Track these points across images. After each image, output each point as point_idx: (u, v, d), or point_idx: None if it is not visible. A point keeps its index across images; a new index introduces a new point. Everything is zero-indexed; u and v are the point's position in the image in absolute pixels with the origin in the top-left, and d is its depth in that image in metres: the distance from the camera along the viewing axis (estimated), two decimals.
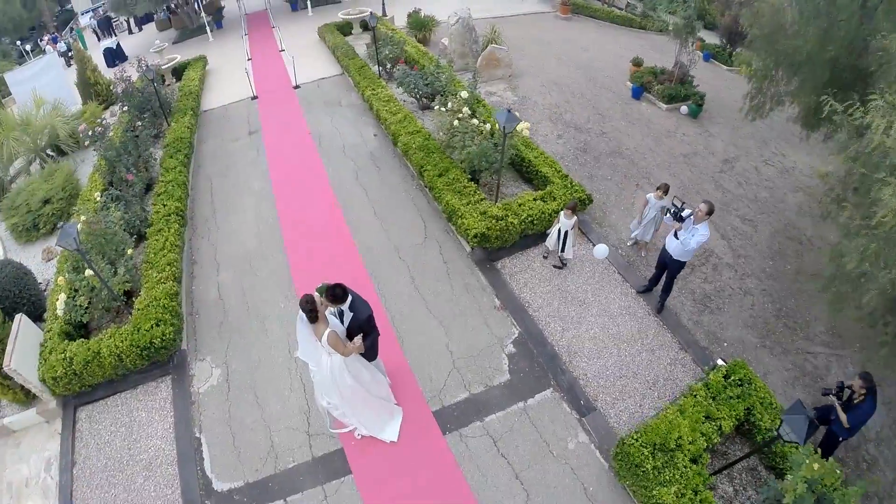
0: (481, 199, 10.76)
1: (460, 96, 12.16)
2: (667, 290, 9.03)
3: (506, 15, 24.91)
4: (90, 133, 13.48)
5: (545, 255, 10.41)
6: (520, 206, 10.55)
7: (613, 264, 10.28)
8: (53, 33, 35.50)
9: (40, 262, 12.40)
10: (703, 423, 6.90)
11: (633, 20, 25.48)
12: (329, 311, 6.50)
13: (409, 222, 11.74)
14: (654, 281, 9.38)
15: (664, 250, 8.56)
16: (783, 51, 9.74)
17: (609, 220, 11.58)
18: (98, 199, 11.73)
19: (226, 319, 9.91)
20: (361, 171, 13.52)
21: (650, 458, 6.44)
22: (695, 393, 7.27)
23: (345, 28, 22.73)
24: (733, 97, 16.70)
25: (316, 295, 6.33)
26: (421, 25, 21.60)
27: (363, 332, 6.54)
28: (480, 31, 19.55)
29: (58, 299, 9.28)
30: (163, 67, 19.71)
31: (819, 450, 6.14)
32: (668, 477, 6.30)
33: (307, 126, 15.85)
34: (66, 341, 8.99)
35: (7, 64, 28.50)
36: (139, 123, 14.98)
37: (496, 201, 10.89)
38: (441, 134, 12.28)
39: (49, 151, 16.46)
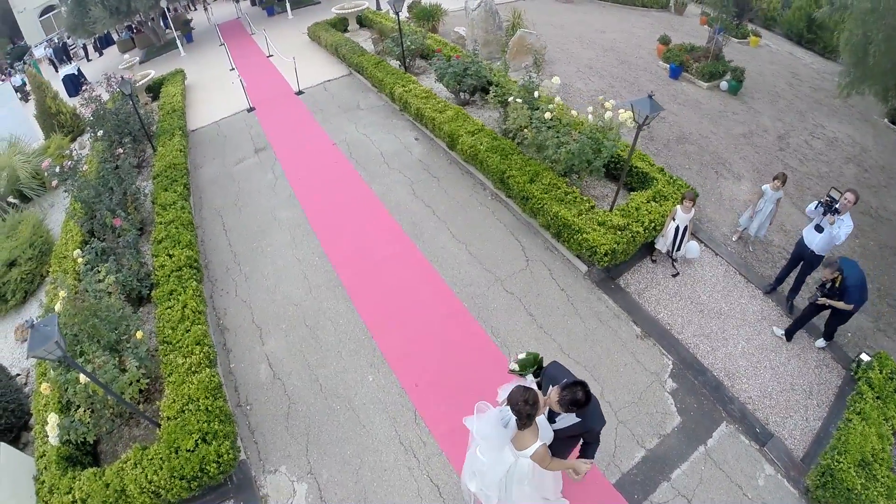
0: (591, 207, 8.64)
1: (552, 83, 9.66)
2: (797, 287, 8.13)
3: (501, 1, 22.37)
4: (57, 170, 10.26)
5: (654, 258, 8.92)
6: (637, 210, 8.56)
7: (732, 264, 8.93)
8: (7, 69, 31.69)
9: (13, 343, 9.35)
10: (883, 425, 6.29)
11: None
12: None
13: (500, 244, 9.14)
14: (781, 280, 8.39)
15: (802, 245, 7.71)
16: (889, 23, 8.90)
17: (706, 213, 9.95)
18: (79, 258, 8.67)
19: (293, 408, 7.03)
20: (416, 184, 10.72)
21: (857, 479, 5.74)
22: (863, 395, 6.56)
23: (339, 25, 19.88)
24: (757, 69, 16.49)
25: (535, 388, 4.32)
26: (428, 15, 18.88)
27: (586, 443, 4.73)
28: (503, 16, 17.14)
29: (47, 422, 6.16)
30: (136, 85, 16.49)
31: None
32: (875, 493, 5.67)
33: (328, 136, 12.92)
34: (70, 472, 6.16)
35: None
36: (120, 150, 11.79)
37: (612, 208, 8.77)
38: (526, 131, 9.64)
39: (10, 199, 13.18)
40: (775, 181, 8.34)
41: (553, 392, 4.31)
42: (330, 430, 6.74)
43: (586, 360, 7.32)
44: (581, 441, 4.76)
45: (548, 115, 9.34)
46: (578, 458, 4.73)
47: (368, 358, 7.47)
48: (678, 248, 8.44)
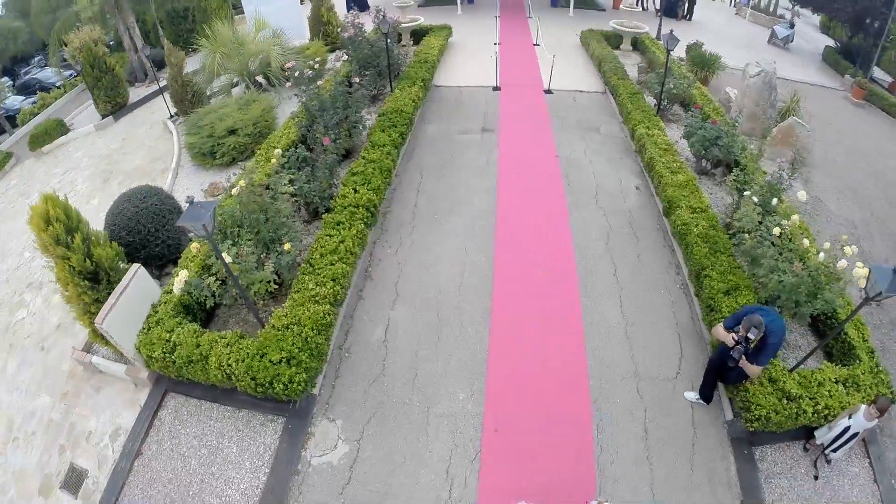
0: None
1: (798, 196, 8.48)
2: None
3: (783, 77, 19.96)
4: (297, 74, 11.84)
5: (808, 447, 7.37)
6: (819, 386, 7.07)
7: (884, 498, 6.95)
8: None
9: (200, 195, 10.78)
10: None
11: None
12: None
13: (661, 339, 8.30)
14: None
15: None
16: None
17: (888, 425, 7.72)
18: (280, 156, 9.66)
19: (382, 378, 7.34)
20: (614, 234, 10.24)
21: None
22: None
23: (612, 40, 19.71)
24: None
25: None
26: (705, 63, 17.79)
27: None
28: (780, 94, 15.50)
29: (178, 276, 7.24)
30: (402, 25, 17.97)
31: None
32: None
33: (555, 146, 12.94)
34: (180, 318, 7.31)
35: None
36: (358, 80, 13.07)
37: (794, 368, 7.33)
38: (747, 236, 8.57)
39: (257, 78, 15.27)
40: None
41: None
42: (397, 419, 6.95)
43: None
44: None
45: (776, 231, 8.26)
46: None
47: (471, 379, 7.40)
48: (835, 450, 6.91)
